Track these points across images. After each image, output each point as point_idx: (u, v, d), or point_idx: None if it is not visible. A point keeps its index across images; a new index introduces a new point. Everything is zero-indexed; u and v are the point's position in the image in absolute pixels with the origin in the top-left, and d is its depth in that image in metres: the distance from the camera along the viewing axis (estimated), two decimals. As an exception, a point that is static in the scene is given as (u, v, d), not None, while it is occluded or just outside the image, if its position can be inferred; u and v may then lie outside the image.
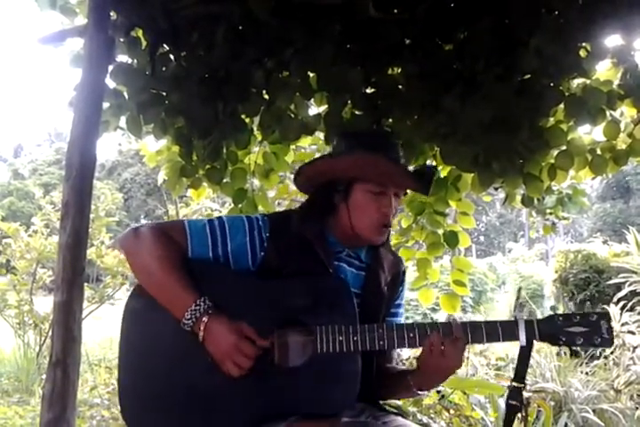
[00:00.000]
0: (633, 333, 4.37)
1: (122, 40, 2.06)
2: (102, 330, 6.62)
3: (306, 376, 1.28)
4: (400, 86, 2.05)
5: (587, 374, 4.30)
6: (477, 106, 1.83)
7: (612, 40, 1.90)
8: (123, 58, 2.12)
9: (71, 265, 1.66)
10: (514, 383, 1.28)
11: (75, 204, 1.69)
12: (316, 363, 1.28)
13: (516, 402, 1.27)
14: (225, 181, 2.27)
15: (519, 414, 1.27)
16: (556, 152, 2.06)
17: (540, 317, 1.34)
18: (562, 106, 1.97)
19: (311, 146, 2.72)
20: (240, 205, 2.27)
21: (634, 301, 4.80)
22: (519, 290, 9.58)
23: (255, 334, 1.27)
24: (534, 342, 1.27)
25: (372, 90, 2.09)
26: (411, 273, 2.30)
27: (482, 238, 44.15)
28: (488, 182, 2.04)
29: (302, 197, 1.70)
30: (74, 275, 1.66)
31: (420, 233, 2.42)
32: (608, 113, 1.96)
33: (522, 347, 1.28)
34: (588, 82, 1.97)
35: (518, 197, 2.32)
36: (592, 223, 36.51)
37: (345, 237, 1.44)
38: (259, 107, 2.08)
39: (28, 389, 5.24)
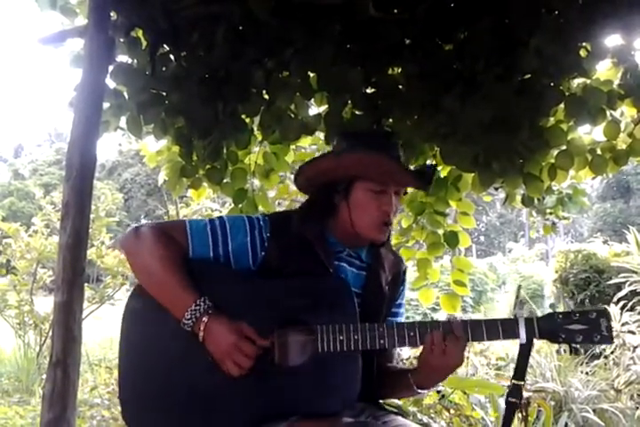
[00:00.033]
0: (633, 332, 4.37)
1: (122, 40, 2.07)
2: (102, 330, 6.63)
3: (306, 376, 1.28)
4: (400, 86, 2.05)
5: (587, 373, 4.30)
6: (477, 106, 1.83)
7: (612, 40, 1.90)
8: (123, 58, 2.13)
9: (71, 265, 1.66)
10: (514, 381, 1.28)
11: (75, 204, 1.69)
12: (317, 362, 1.28)
13: (515, 399, 1.27)
14: (225, 181, 2.28)
15: (519, 414, 1.27)
16: (556, 152, 2.06)
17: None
18: (562, 106, 1.97)
19: (311, 146, 2.72)
20: (240, 206, 2.27)
21: (634, 300, 4.79)
22: (519, 288, 9.57)
23: (255, 333, 1.27)
24: (534, 339, 1.27)
25: (372, 90, 2.09)
26: (411, 273, 2.30)
27: (482, 238, 44.15)
28: (488, 182, 2.04)
29: (302, 197, 1.70)
30: (74, 275, 1.66)
31: (420, 233, 2.42)
32: (608, 113, 1.96)
33: (522, 345, 1.28)
34: (589, 82, 1.98)
35: (518, 197, 2.33)
36: (592, 223, 36.51)
37: (346, 236, 1.44)
38: (259, 107, 2.08)
39: (28, 389, 5.25)
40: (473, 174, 2.09)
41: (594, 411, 3.70)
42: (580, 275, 6.76)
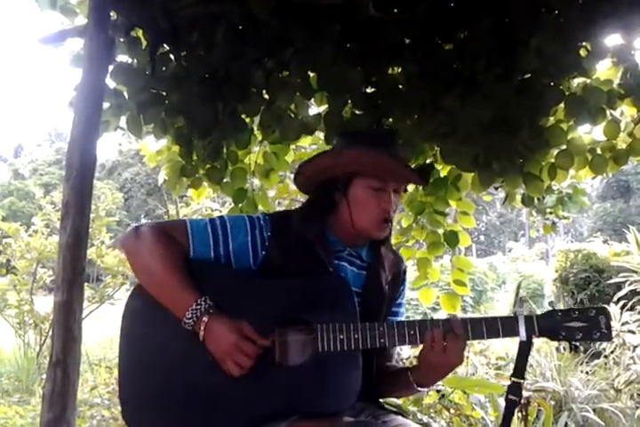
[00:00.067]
0: (633, 332, 4.38)
1: (122, 40, 2.07)
2: (102, 330, 6.63)
3: (306, 375, 1.28)
4: (400, 86, 2.05)
5: (587, 373, 4.30)
6: (477, 106, 1.83)
7: (612, 39, 1.90)
8: (123, 58, 2.13)
9: (71, 265, 1.66)
10: (513, 379, 1.28)
11: (75, 204, 1.69)
12: (317, 362, 1.28)
13: (515, 398, 1.27)
14: (225, 180, 2.28)
15: (519, 414, 1.27)
16: (556, 151, 2.06)
17: (540, 315, 1.34)
18: (562, 105, 1.97)
19: (311, 146, 2.73)
20: (240, 205, 2.27)
21: (634, 300, 4.80)
22: (518, 286, 9.58)
23: (255, 333, 1.27)
24: (534, 337, 1.27)
25: (373, 90, 2.09)
26: (411, 273, 2.30)
27: (482, 238, 44.17)
28: (488, 182, 2.04)
29: (302, 197, 1.71)
30: (74, 275, 1.66)
31: (420, 233, 2.42)
32: (608, 112, 1.96)
33: (521, 342, 1.28)
34: (589, 81, 1.98)
35: (518, 197, 2.33)
36: (592, 223, 36.52)
37: (346, 235, 1.45)
38: (259, 107, 2.08)
39: (28, 388, 5.25)
40: (473, 174, 2.09)
41: (594, 410, 3.71)
42: (580, 274, 6.76)
